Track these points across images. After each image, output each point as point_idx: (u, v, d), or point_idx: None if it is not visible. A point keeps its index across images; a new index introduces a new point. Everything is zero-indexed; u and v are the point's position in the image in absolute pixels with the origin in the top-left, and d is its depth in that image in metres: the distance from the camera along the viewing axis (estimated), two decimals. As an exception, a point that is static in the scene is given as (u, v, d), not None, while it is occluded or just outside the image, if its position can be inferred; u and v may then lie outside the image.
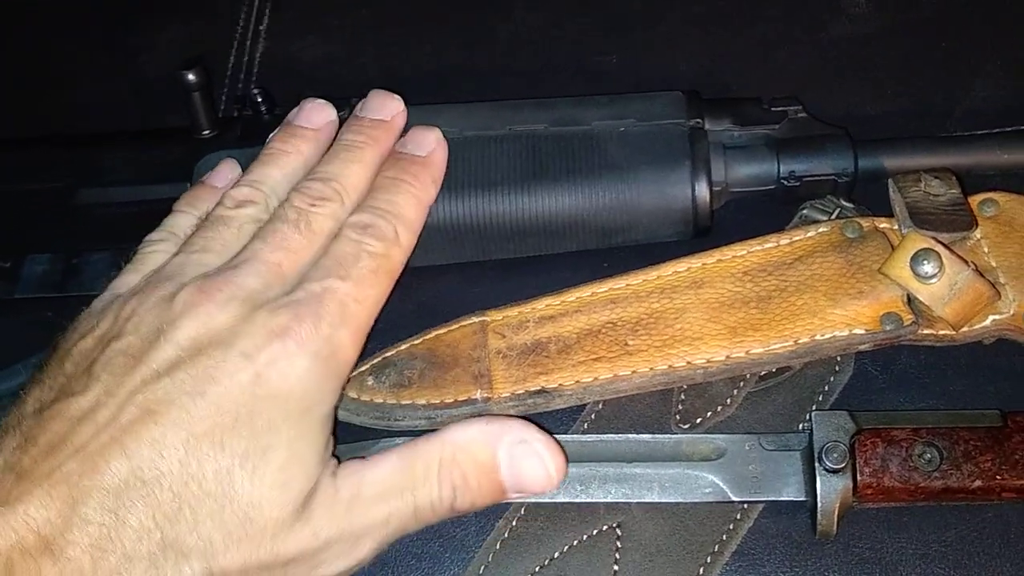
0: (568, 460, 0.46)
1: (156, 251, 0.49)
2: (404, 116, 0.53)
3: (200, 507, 0.40)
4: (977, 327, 0.50)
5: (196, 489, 0.40)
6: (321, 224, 0.48)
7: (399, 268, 0.48)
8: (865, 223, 0.52)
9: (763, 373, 0.51)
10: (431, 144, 0.52)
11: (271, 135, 0.53)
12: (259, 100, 0.57)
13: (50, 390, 0.43)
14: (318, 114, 0.53)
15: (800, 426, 0.50)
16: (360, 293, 0.46)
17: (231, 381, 0.41)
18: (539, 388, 0.50)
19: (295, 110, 0.53)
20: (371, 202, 0.49)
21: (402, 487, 0.44)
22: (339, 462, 0.44)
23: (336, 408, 0.46)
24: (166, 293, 0.44)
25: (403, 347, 0.51)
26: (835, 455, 0.46)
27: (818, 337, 0.49)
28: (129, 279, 0.48)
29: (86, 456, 0.39)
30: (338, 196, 0.49)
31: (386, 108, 0.53)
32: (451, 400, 0.50)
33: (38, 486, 0.39)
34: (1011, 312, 0.50)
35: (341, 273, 0.46)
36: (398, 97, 0.53)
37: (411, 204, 0.50)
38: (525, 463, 0.44)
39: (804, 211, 0.54)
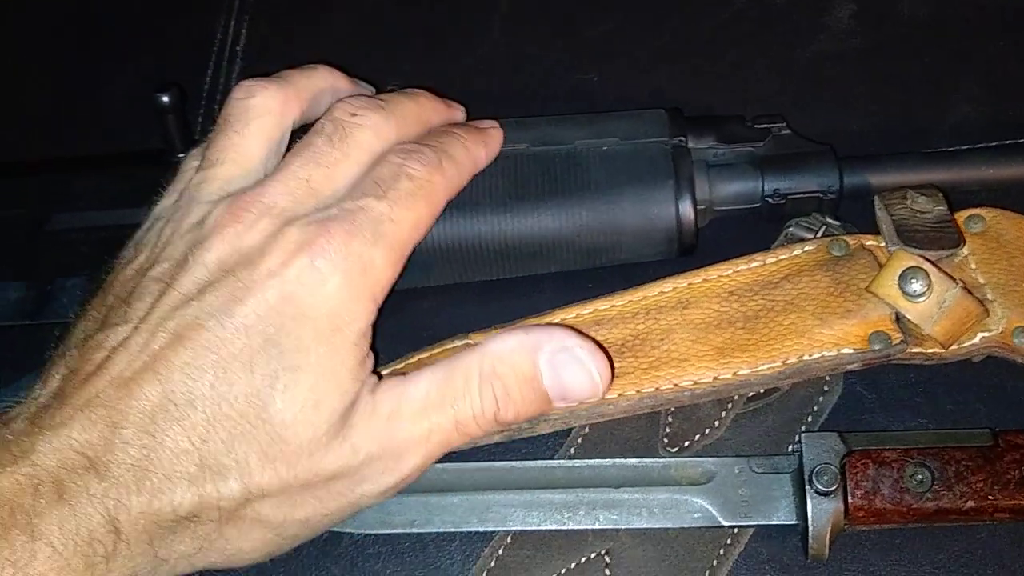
0: (614, 369, 0.45)
1: (192, 166, 0.48)
2: (463, 115, 0.53)
3: (234, 428, 0.40)
4: (966, 345, 0.49)
5: (228, 411, 0.40)
6: (359, 137, 0.46)
7: (441, 198, 0.47)
8: (851, 241, 0.52)
9: (751, 394, 0.50)
10: (487, 124, 0.52)
11: None
12: (236, 122, 0.56)
13: (93, 321, 0.44)
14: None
15: (789, 448, 0.49)
16: (396, 213, 0.44)
17: (258, 301, 0.41)
18: (524, 412, 0.49)
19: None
20: (421, 139, 0.48)
21: (442, 401, 0.43)
22: (380, 379, 0.44)
23: (374, 327, 0.44)
24: (195, 218, 0.44)
25: (385, 372, 0.50)
26: (826, 477, 0.45)
27: (806, 357, 0.49)
28: (167, 201, 0.47)
29: (121, 382, 0.40)
30: (382, 110, 0.47)
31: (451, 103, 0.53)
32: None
33: (80, 411, 0.40)
34: (1000, 329, 0.49)
35: (378, 192, 0.44)
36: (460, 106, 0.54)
37: (459, 149, 0.48)
38: (568, 371, 0.44)
39: (789, 229, 0.54)
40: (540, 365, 0.44)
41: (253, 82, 0.48)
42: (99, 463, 0.39)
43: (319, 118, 0.47)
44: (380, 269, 0.44)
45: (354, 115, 0.46)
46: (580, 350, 0.44)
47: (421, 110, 0.50)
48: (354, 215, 0.43)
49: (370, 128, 0.46)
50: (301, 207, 0.44)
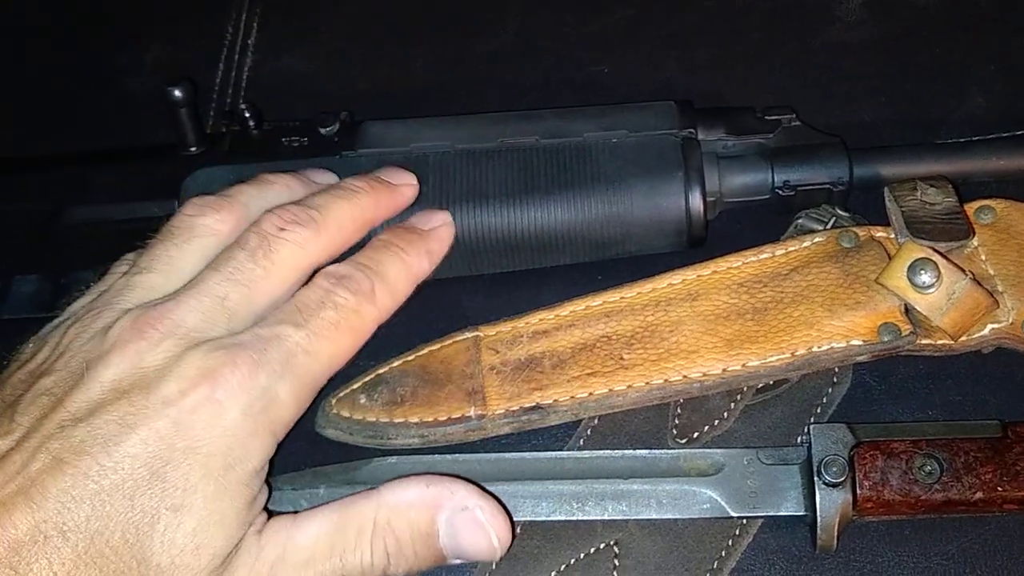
0: (514, 529, 0.44)
1: (120, 270, 0.46)
2: (414, 192, 0.51)
3: (106, 567, 0.37)
4: (975, 336, 0.49)
5: (103, 547, 0.37)
6: (285, 255, 0.44)
7: (368, 328, 0.45)
8: (861, 232, 0.51)
9: (760, 386, 0.50)
10: (436, 222, 0.50)
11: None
12: (247, 115, 0.57)
13: None
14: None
15: (798, 439, 0.49)
16: (313, 345, 0.42)
17: (149, 430, 0.38)
18: (534, 404, 0.49)
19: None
20: (355, 258, 0.46)
21: (331, 551, 0.41)
22: (269, 517, 0.42)
23: (271, 462, 0.42)
24: (102, 324, 0.42)
25: (395, 364, 0.51)
26: (834, 469, 0.45)
27: (815, 349, 0.49)
28: (84, 301, 0.46)
29: None
30: (313, 223, 0.45)
31: (396, 177, 0.51)
32: (444, 418, 0.49)
33: None
34: (1009, 320, 0.49)
35: (297, 320, 0.42)
36: (412, 176, 0.51)
37: (397, 268, 0.47)
38: (466, 532, 0.42)
39: (799, 221, 0.54)
40: (439, 523, 0.42)
41: (205, 201, 0.46)
42: None
43: (248, 228, 0.45)
44: (284, 405, 0.41)
45: (282, 230, 0.44)
46: (480, 512, 0.42)
47: (360, 213, 0.47)
48: (266, 344, 0.41)
49: (297, 244, 0.44)
50: (212, 328, 0.41)
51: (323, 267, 0.46)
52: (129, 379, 0.40)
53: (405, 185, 0.51)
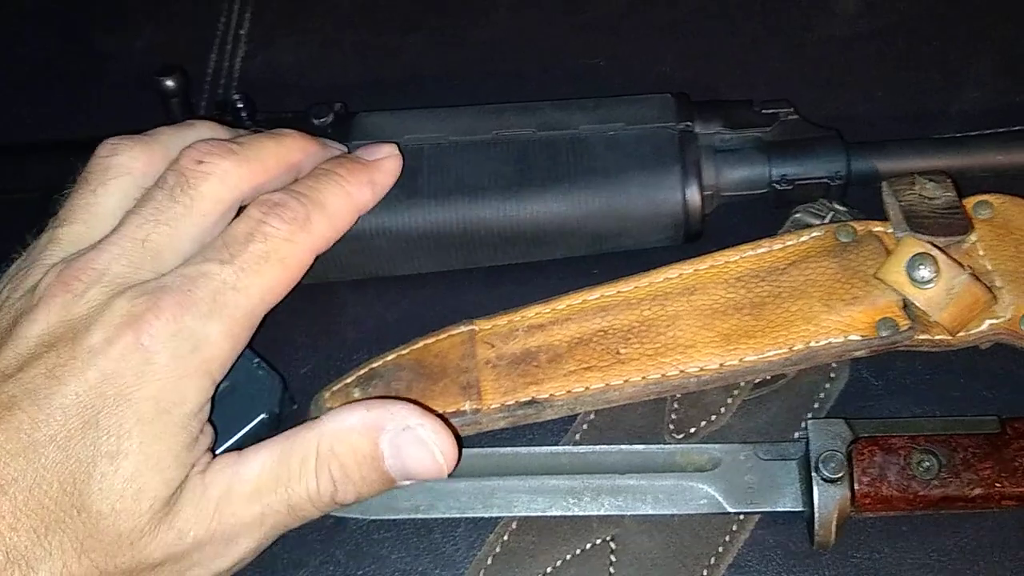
0: (463, 443, 0.44)
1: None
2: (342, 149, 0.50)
3: (47, 517, 0.37)
4: (974, 332, 0.49)
5: (41, 498, 0.37)
6: (205, 189, 0.43)
7: (303, 259, 0.44)
8: (859, 227, 0.51)
9: (757, 381, 0.50)
10: (381, 153, 0.49)
11: None
12: (240, 106, 0.56)
13: None
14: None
15: (796, 434, 0.49)
16: (242, 281, 0.41)
17: (78, 381, 0.38)
18: (529, 399, 0.49)
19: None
20: (292, 186, 0.45)
21: (276, 482, 0.41)
22: (213, 456, 0.42)
23: (212, 403, 0.42)
24: (31, 282, 0.42)
25: (390, 357, 0.50)
26: (832, 464, 0.45)
27: (813, 344, 0.48)
28: (17, 262, 0.45)
29: None
30: (233, 155, 0.44)
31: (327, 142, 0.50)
32: (439, 412, 0.48)
33: None
34: (1008, 316, 0.49)
35: (223, 256, 0.41)
36: (343, 146, 0.51)
37: (336, 195, 0.45)
38: (410, 451, 0.42)
39: (796, 215, 0.53)
40: (382, 445, 0.41)
41: (117, 140, 0.45)
42: None
43: (168, 167, 0.44)
44: (216, 345, 0.40)
45: (200, 163, 0.43)
46: (423, 429, 0.42)
47: (284, 151, 0.46)
48: (192, 283, 0.40)
49: (217, 176, 0.43)
50: (137, 273, 0.41)
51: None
52: (56, 331, 0.40)
53: (332, 147, 0.50)
